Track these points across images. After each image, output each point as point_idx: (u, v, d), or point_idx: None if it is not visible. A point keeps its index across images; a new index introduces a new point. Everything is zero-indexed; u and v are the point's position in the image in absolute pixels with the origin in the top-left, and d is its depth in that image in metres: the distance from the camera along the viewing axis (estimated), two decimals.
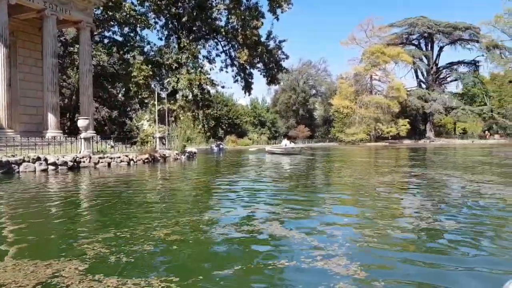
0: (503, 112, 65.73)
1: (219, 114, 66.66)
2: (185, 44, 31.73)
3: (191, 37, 32.62)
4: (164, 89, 30.95)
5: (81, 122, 19.12)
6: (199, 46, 34.28)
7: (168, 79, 30.24)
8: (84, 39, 24.82)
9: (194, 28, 34.11)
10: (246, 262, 3.59)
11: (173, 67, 30.99)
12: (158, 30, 34.60)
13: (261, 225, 5.02)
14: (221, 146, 46.38)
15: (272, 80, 36.51)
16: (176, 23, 33.60)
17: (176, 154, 23.91)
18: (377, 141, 65.26)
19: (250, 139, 69.23)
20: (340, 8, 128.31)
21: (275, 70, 36.18)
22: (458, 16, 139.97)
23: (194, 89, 30.29)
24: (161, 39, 34.94)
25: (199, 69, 31.82)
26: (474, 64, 71.46)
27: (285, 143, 31.55)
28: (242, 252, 3.97)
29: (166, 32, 34.54)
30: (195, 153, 27.42)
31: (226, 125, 68.10)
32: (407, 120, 65.59)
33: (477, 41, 67.53)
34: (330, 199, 7.48)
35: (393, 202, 7.04)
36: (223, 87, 35.12)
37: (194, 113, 32.05)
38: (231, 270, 3.37)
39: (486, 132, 70.51)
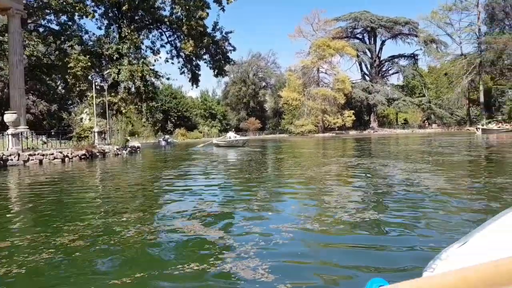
0: (440, 103, 69.85)
1: (167, 107, 65.14)
2: (126, 34, 30.33)
3: (132, 27, 31.21)
4: (105, 81, 29.48)
5: (8, 117, 17.69)
6: (141, 36, 32.96)
7: (108, 71, 28.76)
8: (14, 28, 22.95)
9: (136, 18, 32.69)
10: (149, 269, 3.32)
11: (114, 57, 29.54)
12: (97, 19, 32.78)
13: (181, 225, 4.75)
14: (168, 140, 45.37)
15: (219, 72, 35.99)
16: (116, 12, 31.99)
17: (117, 149, 22.95)
18: (325, 132, 66.99)
19: (201, 132, 68.49)
20: (288, 0, 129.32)
21: (222, 61, 35.68)
22: (399, 10, 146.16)
23: (136, 81, 29.07)
24: (100, 28, 33.17)
25: (142, 60, 30.56)
26: (413, 57, 75.25)
27: (230, 135, 31.42)
28: (148, 258, 3.68)
29: (106, 21, 32.81)
30: (138, 147, 26.52)
31: (175, 118, 66.75)
32: (352, 111, 67.89)
33: (416, 36, 71.04)
34: (261, 193, 7.35)
35: (320, 194, 7.04)
36: (168, 78, 34.06)
37: (137, 106, 30.81)
38: (129, 278, 3.09)
39: (425, 122, 74.68)
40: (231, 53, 35.66)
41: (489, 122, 52.12)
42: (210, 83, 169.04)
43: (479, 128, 43.13)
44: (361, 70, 78.41)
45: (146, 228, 4.65)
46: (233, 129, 70.76)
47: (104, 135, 24.68)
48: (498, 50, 56.83)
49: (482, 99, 64.62)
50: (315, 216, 5.04)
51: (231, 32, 35.01)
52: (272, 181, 9.51)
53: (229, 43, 35.06)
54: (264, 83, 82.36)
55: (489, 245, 1.11)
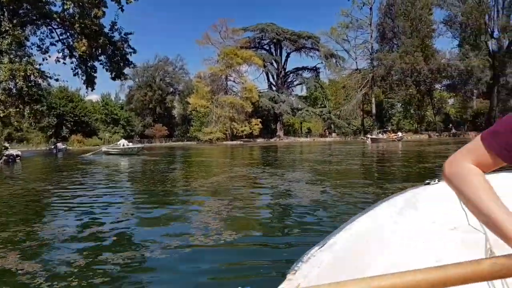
0: (338, 114, 74.93)
1: (62, 111, 59.69)
2: (7, 29, 26.85)
3: (15, 21, 27.81)
4: None
5: None
6: (27, 32, 29.56)
7: None
8: None
9: (20, 11, 29.24)
10: None
11: None
12: None
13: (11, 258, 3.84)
14: (60, 147, 41.42)
15: (117, 75, 33.68)
16: None
17: None
18: (233, 139, 67.38)
19: (101, 139, 64.05)
20: (196, 7, 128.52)
21: (121, 64, 33.57)
22: (304, 24, 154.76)
23: (18, 81, 25.81)
24: None
25: (26, 58, 27.31)
26: (315, 70, 79.86)
27: (123, 143, 29.69)
28: None
29: None
30: (18, 156, 23.59)
31: (72, 123, 61.38)
32: (260, 119, 69.37)
33: (318, 50, 75.45)
34: (127, 210, 6.61)
35: (188, 211, 6.56)
36: (57, 80, 30.93)
37: (18, 109, 27.36)
38: None
39: (326, 131, 79.52)
40: (131, 55, 33.67)
41: (380, 132, 57.21)
42: (113, 87, 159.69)
43: (368, 137, 46.99)
44: (268, 80, 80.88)
45: None
46: (138, 135, 67.82)
47: None
48: (387, 67, 62.82)
49: (374, 111, 70.83)
50: (168, 235, 4.50)
51: (131, 33, 33.10)
52: (144, 196, 8.77)
53: (129, 45, 33.15)
54: (172, 89, 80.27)
55: (343, 247, 1.27)
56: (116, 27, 32.13)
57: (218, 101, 65.77)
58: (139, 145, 32.95)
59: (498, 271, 0.62)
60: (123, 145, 28.72)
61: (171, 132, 75.78)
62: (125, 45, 32.96)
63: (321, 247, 1.27)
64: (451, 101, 72.77)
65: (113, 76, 33.39)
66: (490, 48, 57.74)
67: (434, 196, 1.79)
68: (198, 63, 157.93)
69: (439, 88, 68.52)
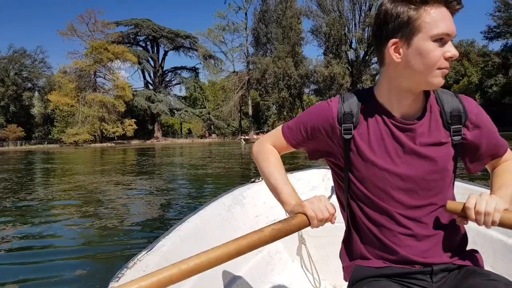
0: (218, 115, 75.24)
1: None
2: None
3: None
4: None
5: None
6: None
7: None
8: None
9: None
10: None
11: None
12: None
13: None
14: None
15: None
16: None
17: None
18: (104, 141, 62.15)
19: None
20: None
21: None
22: (183, 23, 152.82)
23: None
24: None
25: None
26: (194, 70, 78.89)
27: None
28: None
29: None
30: None
31: None
32: (134, 120, 65.40)
33: (196, 50, 74.56)
34: None
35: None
36: None
37: None
38: None
39: (206, 131, 79.07)
40: None
41: (257, 133, 58.91)
42: None
43: (241, 138, 47.85)
44: (144, 78, 77.07)
45: None
46: None
47: None
48: (262, 70, 65.04)
49: (250, 113, 72.84)
50: None
51: None
52: None
53: None
54: (30, 85, 70.57)
55: (171, 248, 1.30)
56: None
57: (85, 99, 59.87)
58: None
59: (276, 234, 0.86)
60: None
61: (29, 134, 66.55)
62: None
63: (149, 250, 1.25)
64: None
65: None
66: (349, 57, 64.19)
67: (258, 193, 2.00)
68: (63, 57, 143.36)
69: (308, 92, 73.74)
